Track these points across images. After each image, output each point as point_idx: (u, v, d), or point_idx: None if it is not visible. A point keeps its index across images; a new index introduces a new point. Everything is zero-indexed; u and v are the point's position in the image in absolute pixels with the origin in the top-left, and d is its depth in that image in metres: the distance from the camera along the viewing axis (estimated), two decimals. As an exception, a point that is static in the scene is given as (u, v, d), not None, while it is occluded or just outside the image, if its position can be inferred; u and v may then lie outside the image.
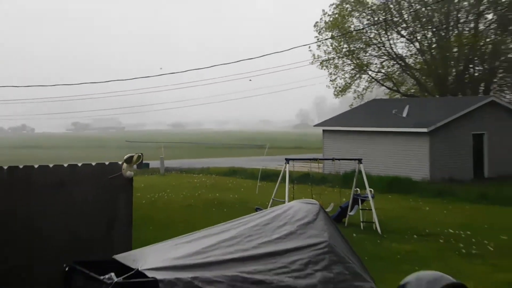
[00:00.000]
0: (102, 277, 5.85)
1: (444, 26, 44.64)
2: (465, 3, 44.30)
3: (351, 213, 18.73)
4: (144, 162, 7.38)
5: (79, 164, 7.47)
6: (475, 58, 44.88)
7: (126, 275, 5.91)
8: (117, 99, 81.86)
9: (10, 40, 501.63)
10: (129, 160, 7.11)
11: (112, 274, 5.92)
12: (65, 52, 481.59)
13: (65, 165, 7.47)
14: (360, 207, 18.84)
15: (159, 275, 5.81)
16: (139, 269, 6.00)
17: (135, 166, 7.22)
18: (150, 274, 5.85)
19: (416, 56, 46.99)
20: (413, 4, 45.35)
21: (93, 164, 7.62)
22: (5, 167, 7.84)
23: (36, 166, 7.65)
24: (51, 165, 7.67)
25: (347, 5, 45.49)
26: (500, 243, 15.83)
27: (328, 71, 46.49)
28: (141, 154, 7.21)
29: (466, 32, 44.57)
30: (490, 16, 44.78)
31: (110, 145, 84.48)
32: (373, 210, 18.16)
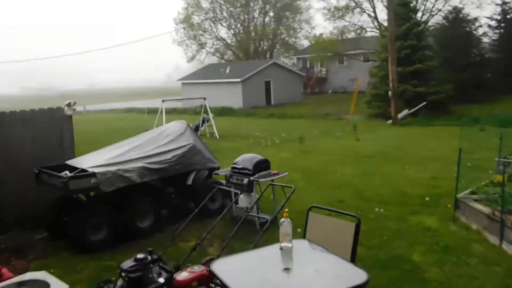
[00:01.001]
0: (60, 174, 6.38)
1: (247, 20, 52.35)
2: (257, 7, 52.20)
3: (202, 128, 20.34)
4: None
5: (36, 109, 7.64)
6: (263, 38, 52.94)
7: (74, 172, 6.47)
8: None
9: None
10: (68, 105, 7.81)
11: (67, 171, 6.53)
12: None
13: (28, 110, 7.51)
14: (207, 125, 20.64)
15: (96, 170, 6.44)
16: (83, 167, 6.57)
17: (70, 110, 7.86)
18: (90, 169, 6.45)
19: (231, 38, 53.37)
20: (227, 6, 51.40)
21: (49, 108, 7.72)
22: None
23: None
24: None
25: (192, 9, 50.43)
26: (282, 138, 18.11)
27: (183, 48, 52.12)
28: (75, 102, 7.91)
29: (259, 23, 52.45)
30: (271, 14, 53.03)
31: None
32: (214, 125, 19.79)
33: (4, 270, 4.30)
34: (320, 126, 22.22)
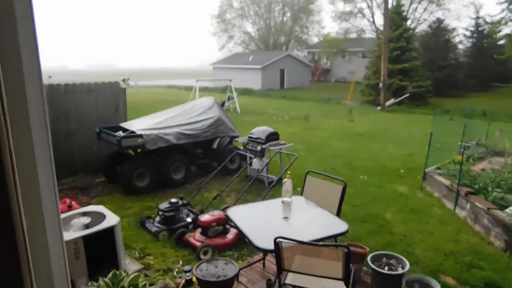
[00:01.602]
0: (115, 133, 6.54)
1: (268, 18, 50.97)
2: (277, 8, 51.11)
3: (226, 104, 20.28)
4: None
5: (99, 82, 7.67)
6: (281, 34, 51.51)
7: (126, 132, 6.60)
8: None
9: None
10: (123, 80, 7.81)
11: (120, 132, 6.66)
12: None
13: (92, 82, 7.57)
14: (231, 101, 20.56)
15: (143, 132, 6.58)
16: (133, 130, 6.72)
17: (124, 84, 7.91)
18: (138, 132, 6.60)
19: (255, 32, 52.08)
20: (253, 6, 50.44)
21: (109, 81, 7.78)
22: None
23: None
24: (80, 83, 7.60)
25: (225, 7, 49.68)
26: (290, 116, 17.79)
27: (215, 38, 54.26)
28: (128, 78, 7.95)
29: (278, 21, 51.05)
30: (289, 14, 51.09)
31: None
32: (237, 102, 19.61)
33: (73, 202, 4.51)
34: (322, 108, 22.02)
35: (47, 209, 0.92)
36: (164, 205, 5.19)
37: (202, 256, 4.34)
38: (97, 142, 7.19)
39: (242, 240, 4.58)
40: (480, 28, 34.51)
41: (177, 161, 7.06)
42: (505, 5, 24.77)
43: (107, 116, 7.62)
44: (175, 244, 4.72)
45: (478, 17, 34.53)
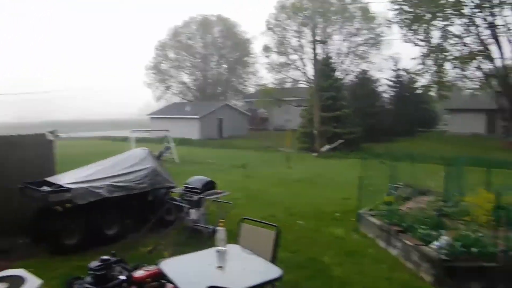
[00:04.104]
0: (40, 188, 6.23)
1: (205, 69, 51.82)
2: (213, 59, 52.19)
3: (165, 154, 20.00)
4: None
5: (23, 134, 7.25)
6: (218, 84, 52.88)
7: (53, 187, 6.32)
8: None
9: None
10: (51, 132, 7.48)
11: (46, 187, 6.35)
12: None
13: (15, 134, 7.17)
14: (169, 152, 20.30)
15: (71, 186, 6.31)
16: (60, 184, 6.45)
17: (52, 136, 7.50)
18: (66, 185, 6.32)
19: (192, 82, 52.68)
20: (189, 58, 51.17)
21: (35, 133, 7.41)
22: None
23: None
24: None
25: (160, 58, 50.97)
26: (229, 164, 17.84)
27: (152, 89, 51.88)
28: (56, 129, 7.56)
29: (215, 72, 52.46)
30: (225, 66, 52.74)
31: None
32: (174, 153, 19.49)
33: (-14, 268, 4.11)
34: (261, 156, 22.52)
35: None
36: (94, 263, 4.87)
37: (136, 316, 4.10)
38: (21, 199, 6.68)
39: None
40: (400, 79, 38.58)
41: (110, 215, 6.78)
42: (420, 60, 27.89)
43: (33, 171, 7.16)
44: (107, 306, 4.41)
45: (398, 69, 38.62)
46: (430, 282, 4.97)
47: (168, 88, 52.18)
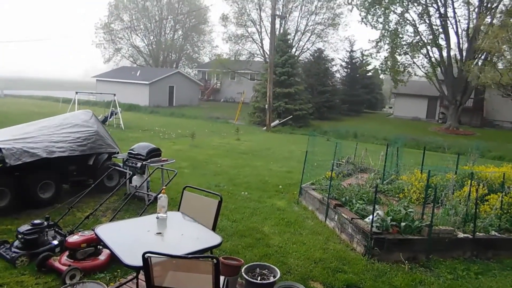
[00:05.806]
0: None
1: (159, 34, 50.13)
2: (169, 24, 50.20)
3: (110, 119, 19.24)
4: None
5: None
6: (171, 51, 51.47)
7: None
8: None
9: None
10: None
11: None
12: None
13: None
14: (114, 117, 19.60)
15: (2, 145, 5.90)
16: None
17: None
18: None
19: (145, 47, 50.58)
20: (144, 21, 48.86)
21: None
22: None
23: None
24: None
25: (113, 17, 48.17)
26: (177, 133, 17.85)
27: (100, 50, 50.95)
28: None
29: (169, 38, 50.68)
30: (180, 32, 51.30)
31: None
32: (120, 118, 18.94)
33: None
34: (210, 127, 22.36)
35: None
36: (24, 227, 4.67)
37: (67, 281, 4.00)
38: None
39: (116, 261, 4.34)
40: (353, 60, 39.99)
41: (45, 178, 6.46)
42: (374, 43, 28.78)
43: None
44: (37, 271, 4.27)
45: (352, 50, 40.17)
46: (361, 252, 5.26)
47: (118, 50, 49.55)
